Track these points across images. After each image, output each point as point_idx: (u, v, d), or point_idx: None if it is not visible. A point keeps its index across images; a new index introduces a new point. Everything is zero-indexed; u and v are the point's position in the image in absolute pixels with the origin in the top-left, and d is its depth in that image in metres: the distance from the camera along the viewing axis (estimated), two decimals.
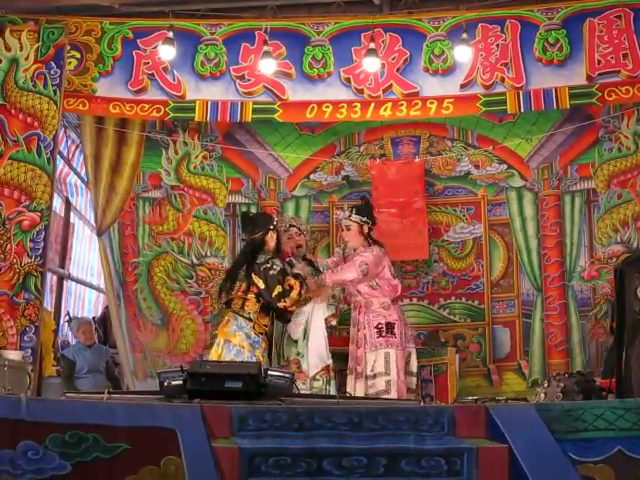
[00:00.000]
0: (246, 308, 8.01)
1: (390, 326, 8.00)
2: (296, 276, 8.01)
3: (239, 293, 8.06)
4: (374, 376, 7.95)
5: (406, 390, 7.96)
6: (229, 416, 4.36)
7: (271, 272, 7.91)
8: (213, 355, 8.00)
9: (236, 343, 7.90)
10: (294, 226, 8.63)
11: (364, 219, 8.26)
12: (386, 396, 7.66)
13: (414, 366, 8.19)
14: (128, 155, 9.81)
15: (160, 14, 9.43)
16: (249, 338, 7.90)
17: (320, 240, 10.19)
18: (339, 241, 9.97)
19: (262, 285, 7.91)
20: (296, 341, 8.31)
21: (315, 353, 8.20)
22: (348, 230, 8.33)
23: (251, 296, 7.99)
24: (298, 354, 8.27)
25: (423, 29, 9.20)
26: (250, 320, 7.93)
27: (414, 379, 8.18)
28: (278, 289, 7.87)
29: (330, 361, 8.18)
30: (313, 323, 8.30)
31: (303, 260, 8.43)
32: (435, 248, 10.03)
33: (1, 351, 7.92)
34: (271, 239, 8.12)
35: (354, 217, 8.29)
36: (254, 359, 7.71)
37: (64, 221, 11.30)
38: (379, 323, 8.02)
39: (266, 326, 8.00)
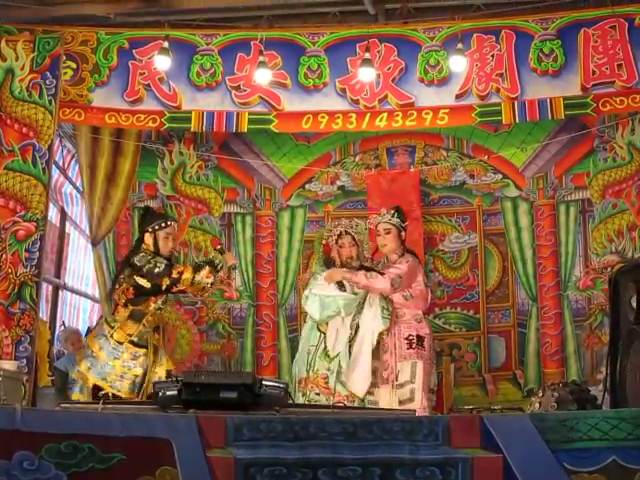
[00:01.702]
0: (116, 314, 7.84)
1: (420, 339, 7.87)
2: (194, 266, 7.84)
3: (115, 297, 7.98)
4: (401, 385, 7.84)
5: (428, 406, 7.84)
6: (224, 426, 4.35)
7: (156, 270, 7.68)
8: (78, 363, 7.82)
9: (94, 350, 7.69)
10: (348, 234, 8.29)
11: (403, 224, 8.17)
12: (410, 405, 7.56)
13: (433, 383, 8.07)
14: (124, 165, 9.83)
15: (156, 24, 9.44)
16: (106, 347, 7.66)
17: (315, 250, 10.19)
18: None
19: (148, 285, 7.74)
20: (332, 357, 8.07)
21: (363, 371, 7.98)
22: (387, 234, 8.13)
23: (122, 301, 7.81)
24: (328, 369, 8.04)
25: (418, 39, 9.22)
26: (112, 327, 7.73)
27: (434, 397, 8.07)
28: (166, 281, 7.65)
29: (368, 383, 7.95)
30: (364, 338, 8.05)
31: (360, 269, 8.15)
32: (430, 258, 10.05)
33: None
34: (148, 240, 7.88)
35: (395, 220, 8.15)
36: (107, 369, 7.56)
37: (59, 231, 11.28)
38: (410, 335, 7.88)
39: (130, 335, 7.65)
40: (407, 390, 7.79)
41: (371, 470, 4.27)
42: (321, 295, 8.14)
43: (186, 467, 4.18)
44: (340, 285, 8.09)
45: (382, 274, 7.94)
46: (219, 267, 7.80)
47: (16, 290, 8.45)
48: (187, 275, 7.61)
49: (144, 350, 7.71)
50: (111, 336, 7.62)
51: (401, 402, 7.71)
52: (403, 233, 8.16)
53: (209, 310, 10.00)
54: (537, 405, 7.05)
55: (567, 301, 9.75)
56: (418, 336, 7.89)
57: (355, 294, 8.12)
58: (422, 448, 4.36)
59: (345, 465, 4.27)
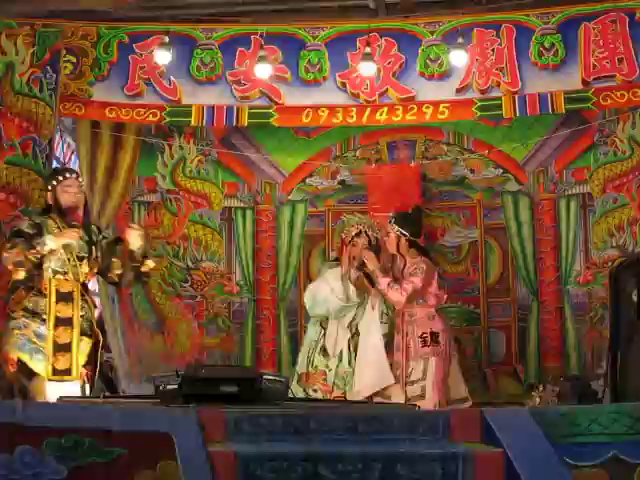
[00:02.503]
0: None
1: (435, 335, 7.86)
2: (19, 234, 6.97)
3: None
4: (412, 383, 7.84)
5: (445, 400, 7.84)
6: (224, 420, 4.36)
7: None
8: None
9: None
10: (367, 235, 8.23)
11: (402, 231, 8.06)
12: (421, 402, 7.47)
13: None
14: (124, 159, 9.80)
15: (156, 18, 9.44)
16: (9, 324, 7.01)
17: (316, 245, 10.19)
18: (334, 245, 10.01)
19: None
20: (331, 356, 8.08)
21: (374, 371, 7.93)
22: (387, 236, 8.17)
23: None
24: (327, 366, 8.06)
25: (419, 33, 9.23)
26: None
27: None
28: None
29: (392, 381, 7.90)
30: (368, 338, 8.02)
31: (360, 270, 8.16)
32: (431, 252, 10.01)
33: None
34: (50, 200, 7.25)
35: (392, 226, 8.12)
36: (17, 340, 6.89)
37: None
38: (424, 333, 7.86)
39: (19, 302, 6.96)
40: (418, 387, 7.78)
41: (372, 464, 4.27)
42: (316, 294, 8.22)
43: (187, 461, 4.18)
44: (362, 266, 8.08)
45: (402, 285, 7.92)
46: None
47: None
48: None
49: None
50: (12, 311, 7.04)
51: (411, 399, 7.66)
52: (403, 240, 8.06)
53: (209, 304, 9.98)
54: (537, 399, 7.09)
55: (567, 296, 9.73)
56: (432, 333, 7.87)
57: (351, 300, 8.14)
58: (423, 442, 4.37)
59: (346, 460, 4.28)
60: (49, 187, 7.30)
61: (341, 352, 8.08)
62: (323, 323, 8.25)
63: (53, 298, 6.98)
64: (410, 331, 7.93)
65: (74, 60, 9.15)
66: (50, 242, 7.00)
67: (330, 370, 8.04)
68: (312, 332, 8.31)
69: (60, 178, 7.29)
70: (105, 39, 9.25)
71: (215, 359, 9.86)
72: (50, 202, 7.29)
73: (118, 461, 4.15)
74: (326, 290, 8.14)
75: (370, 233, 8.24)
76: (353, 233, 8.25)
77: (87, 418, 4.27)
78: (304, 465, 4.25)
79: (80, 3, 9.44)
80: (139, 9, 9.54)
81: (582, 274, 9.70)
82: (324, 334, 8.19)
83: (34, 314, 6.97)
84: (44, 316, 6.95)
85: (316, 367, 8.09)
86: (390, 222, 8.16)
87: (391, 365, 7.91)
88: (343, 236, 8.43)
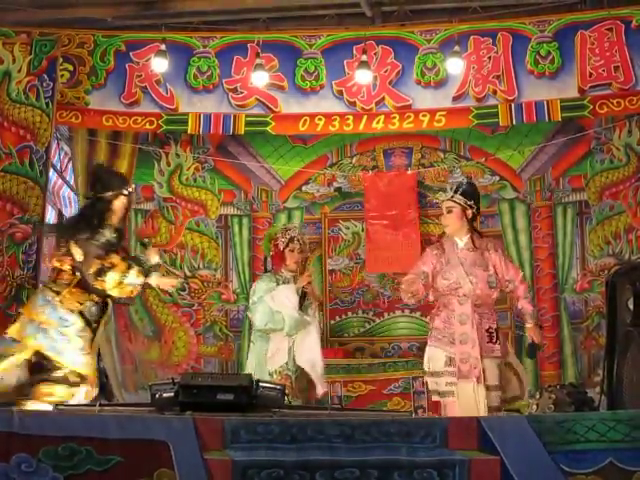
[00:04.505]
0: (58, 280, 6.77)
1: (497, 332, 7.04)
2: (126, 258, 6.78)
3: (55, 260, 6.87)
4: (494, 387, 6.89)
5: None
6: (221, 428, 4.35)
7: (94, 242, 6.67)
8: (12, 332, 6.78)
9: (41, 320, 6.66)
10: (298, 241, 7.89)
11: (469, 202, 7.12)
12: (499, 413, 6.81)
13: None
14: (120, 167, 9.78)
15: (153, 27, 9.46)
16: (56, 313, 6.66)
17: (313, 251, 10.16)
18: (331, 252, 10.02)
19: (79, 257, 6.68)
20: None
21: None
22: (449, 212, 7.17)
23: (67, 267, 6.77)
24: (289, 369, 7.96)
25: (415, 41, 9.24)
26: (58, 293, 6.69)
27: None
28: (96, 265, 6.62)
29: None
30: (306, 337, 7.81)
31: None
32: None
33: None
34: (120, 205, 6.91)
35: (457, 198, 7.10)
36: (62, 340, 6.60)
37: None
38: (490, 327, 7.00)
39: (81, 304, 6.66)
40: (497, 397, 6.91)
41: (369, 472, 4.27)
42: (273, 307, 7.80)
43: (184, 469, 4.18)
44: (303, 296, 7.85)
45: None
46: (146, 267, 6.81)
47: (13, 292, 8.45)
48: (118, 273, 6.65)
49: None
50: (60, 302, 6.68)
51: (491, 408, 6.82)
52: (470, 211, 7.11)
53: (206, 312, 9.98)
54: (534, 407, 7.05)
55: (564, 303, 9.73)
56: (496, 329, 7.07)
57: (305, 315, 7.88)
58: (419, 450, 4.36)
59: (343, 467, 4.27)
60: (124, 192, 6.97)
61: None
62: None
63: None
64: (477, 322, 7.00)
65: (71, 68, 9.17)
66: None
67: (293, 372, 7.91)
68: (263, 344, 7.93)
69: (128, 191, 7.04)
70: (102, 47, 9.26)
71: (212, 367, 9.87)
72: (114, 208, 6.93)
73: (115, 470, 4.14)
74: (284, 303, 7.75)
75: (299, 238, 7.94)
76: (287, 238, 7.89)
77: (83, 426, 4.26)
78: (301, 473, 4.24)
79: (77, 12, 9.46)
80: (136, 17, 9.56)
81: (579, 282, 9.71)
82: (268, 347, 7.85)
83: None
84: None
85: (280, 372, 7.92)
86: (452, 195, 7.18)
87: (451, 359, 6.95)
88: (278, 242, 7.93)
